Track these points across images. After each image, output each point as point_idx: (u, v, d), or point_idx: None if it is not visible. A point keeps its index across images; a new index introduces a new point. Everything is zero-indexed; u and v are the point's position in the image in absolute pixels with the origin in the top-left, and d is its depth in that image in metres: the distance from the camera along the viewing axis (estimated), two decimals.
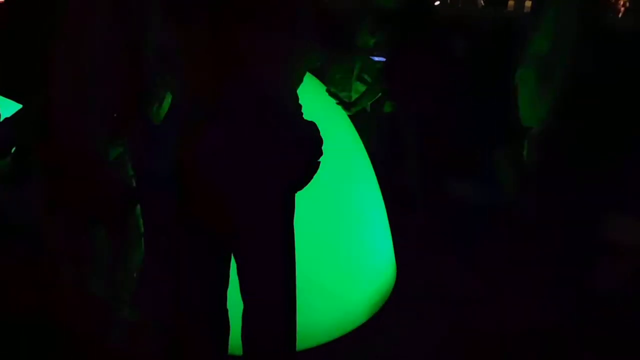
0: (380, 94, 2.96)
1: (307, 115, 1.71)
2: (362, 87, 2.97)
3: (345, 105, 2.67)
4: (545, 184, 3.45)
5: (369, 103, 3.00)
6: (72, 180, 1.83)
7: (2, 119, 2.09)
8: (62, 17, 1.74)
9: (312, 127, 1.71)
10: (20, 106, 1.97)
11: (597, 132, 3.81)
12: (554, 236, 3.23)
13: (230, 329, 1.84)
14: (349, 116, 2.63)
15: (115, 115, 1.82)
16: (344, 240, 2.27)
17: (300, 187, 1.72)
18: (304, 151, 1.69)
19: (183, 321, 1.84)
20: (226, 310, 1.84)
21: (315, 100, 1.87)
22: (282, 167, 1.66)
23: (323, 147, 1.71)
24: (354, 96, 2.93)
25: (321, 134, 1.71)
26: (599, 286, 2.80)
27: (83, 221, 1.92)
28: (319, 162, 1.71)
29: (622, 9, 11.41)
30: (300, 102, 1.70)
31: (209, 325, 1.83)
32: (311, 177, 1.72)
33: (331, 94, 2.51)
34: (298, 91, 1.70)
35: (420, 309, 2.63)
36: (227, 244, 1.77)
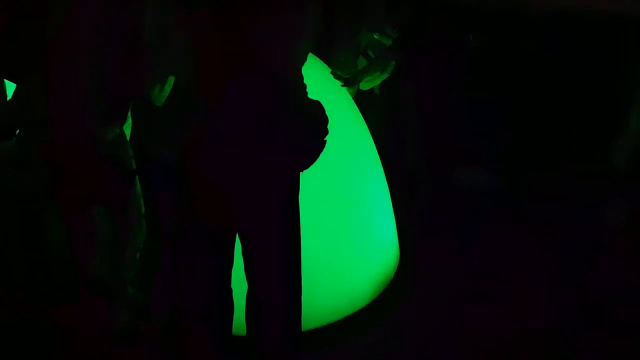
0: (385, 75, 2.93)
1: (311, 96, 1.72)
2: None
3: (345, 81, 2.60)
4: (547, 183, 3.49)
5: (374, 83, 2.97)
6: (69, 164, 1.83)
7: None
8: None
9: (317, 106, 1.72)
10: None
11: None
12: (555, 235, 3.22)
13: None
14: (355, 99, 2.62)
15: (111, 97, 1.83)
16: (347, 222, 2.27)
17: (307, 166, 1.73)
18: (309, 129, 1.70)
19: (185, 303, 1.82)
20: (230, 291, 1.83)
21: (319, 83, 1.89)
22: (288, 145, 1.67)
23: (328, 127, 1.73)
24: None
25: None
26: (599, 286, 2.80)
27: (82, 204, 1.92)
28: (325, 141, 1.72)
29: None
30: (304, 81, 1.71)
31: (213, 305, 1.81)
32: (317, 156, 1.72)
33: (336, 76, 2.51)
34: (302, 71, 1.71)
35: (419, 300, 2.60)
36: (231, 225, 1.77)
